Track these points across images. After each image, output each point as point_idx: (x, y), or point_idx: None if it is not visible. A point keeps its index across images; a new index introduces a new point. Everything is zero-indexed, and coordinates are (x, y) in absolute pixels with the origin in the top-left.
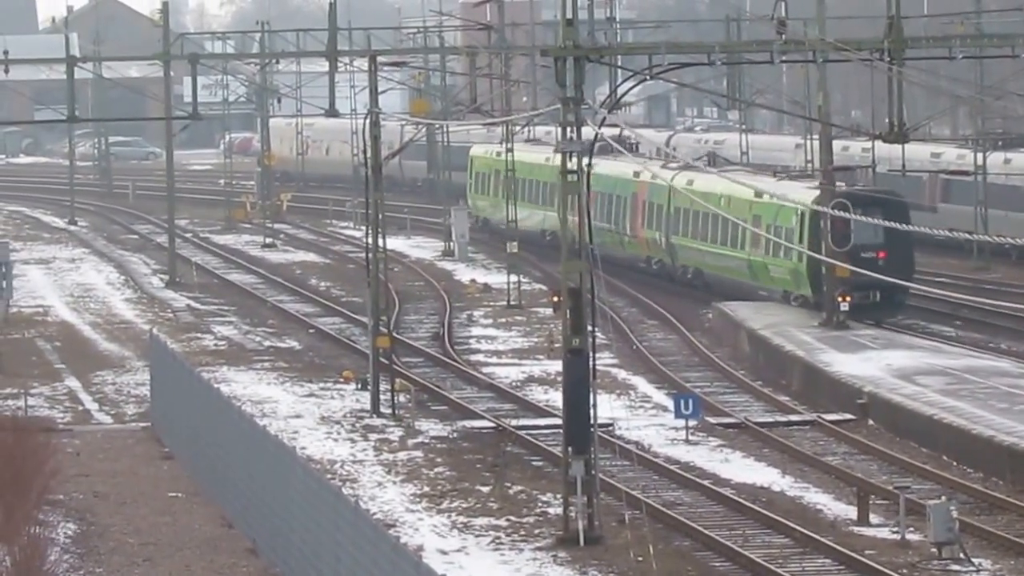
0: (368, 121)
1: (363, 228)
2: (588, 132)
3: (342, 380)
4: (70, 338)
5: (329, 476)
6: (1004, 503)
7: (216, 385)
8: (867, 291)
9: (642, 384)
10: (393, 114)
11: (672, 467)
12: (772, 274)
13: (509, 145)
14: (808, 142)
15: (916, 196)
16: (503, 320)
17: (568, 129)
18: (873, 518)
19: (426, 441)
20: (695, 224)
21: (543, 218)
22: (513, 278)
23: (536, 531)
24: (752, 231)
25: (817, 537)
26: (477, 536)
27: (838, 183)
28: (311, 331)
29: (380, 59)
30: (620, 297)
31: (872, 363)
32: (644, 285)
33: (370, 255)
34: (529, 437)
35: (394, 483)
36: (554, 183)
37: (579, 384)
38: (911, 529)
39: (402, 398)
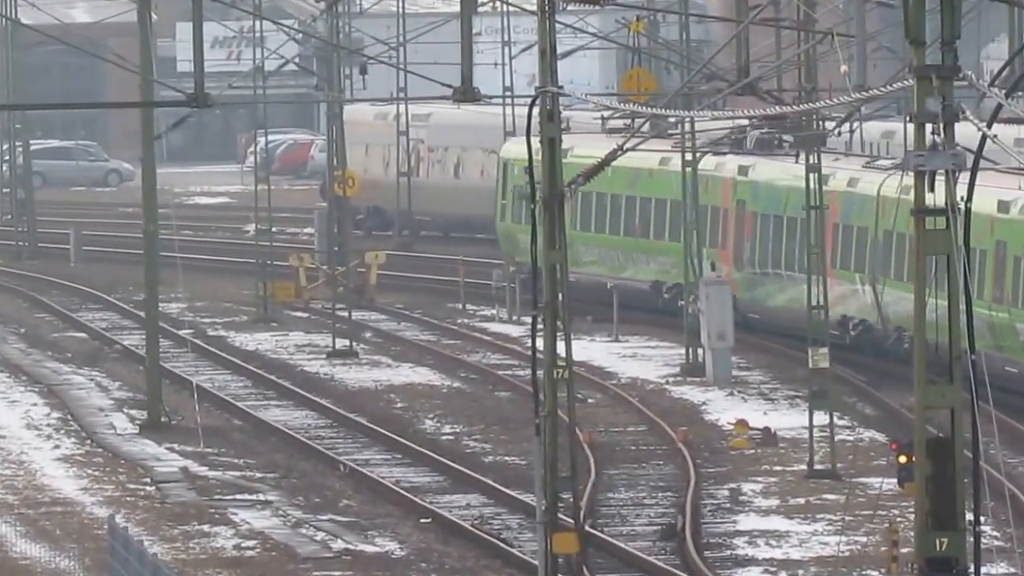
0: (537, 108)
1: (527, 320)
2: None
3: None
4: None
5: None
6: None
7: None
8: None
9: None
10: (587, 96)
11: None
12: (1022, 338)
13: (814, 161)
14: None
15: None
16: (800, 501)
17: (929, 127)
18: None
19: None
20: (900, 258)
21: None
22: (821, 418)
23: None
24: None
25: None
26: None
27: None
28: (425, 520)
29: None
30: (1021, 450)
31: None
32: None
33: (540, 373)
34: None
35: None
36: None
37: None
38: None
39: None
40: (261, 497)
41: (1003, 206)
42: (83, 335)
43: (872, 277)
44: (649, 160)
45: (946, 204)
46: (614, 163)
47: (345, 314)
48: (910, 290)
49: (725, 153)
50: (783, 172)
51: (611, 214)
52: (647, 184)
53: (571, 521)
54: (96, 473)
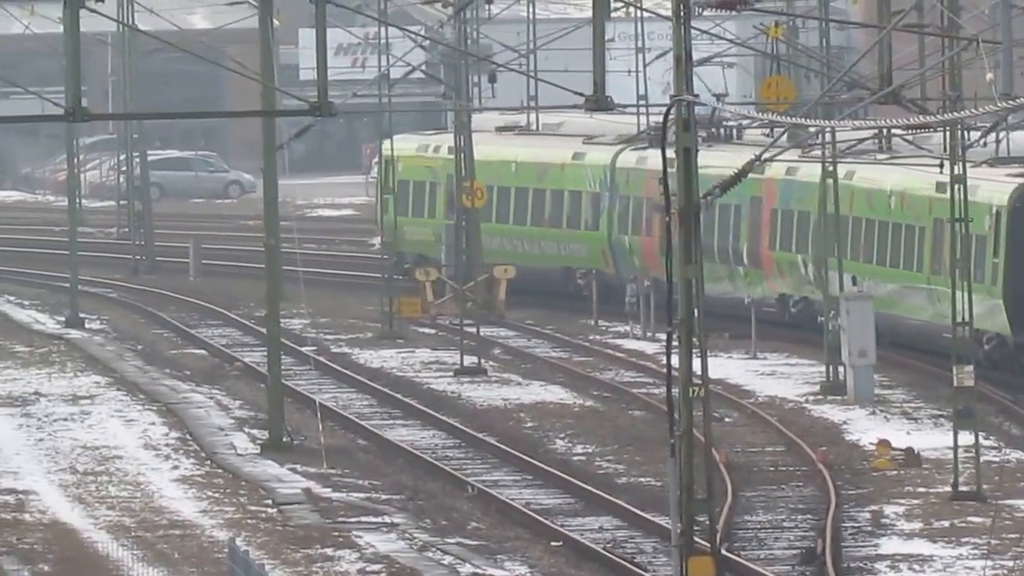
0: (672, 118)
1: (661, 337)
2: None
3: None
4: (70, 556)
5: None
6: None
7: None
8: None
9: None
10: (723, 104)
11: None
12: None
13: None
14: None
15: None
16: (944, 524)
17: None
18: None
19: None
20: (857, 239)
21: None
22: (966, 438)
23: None
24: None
25: None
26: None
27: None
28: (556, 544)
29: None
30: None
31: None
32: None
33: (675, 392)
34: None
35: None
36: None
37: None
38: None
39: None
40: (387, 519)
41: (940, 187)
42: (202, 352)
43: (816, 257)
44: (559, 155)
45: None
46: (520, 159)
47: (473, 330)
48: (850, 269)
49: (645, 147)
50: (713, 161)
51: (516, 206)
52: (558, 177)
53: (707, 545)
54: (216, 495)
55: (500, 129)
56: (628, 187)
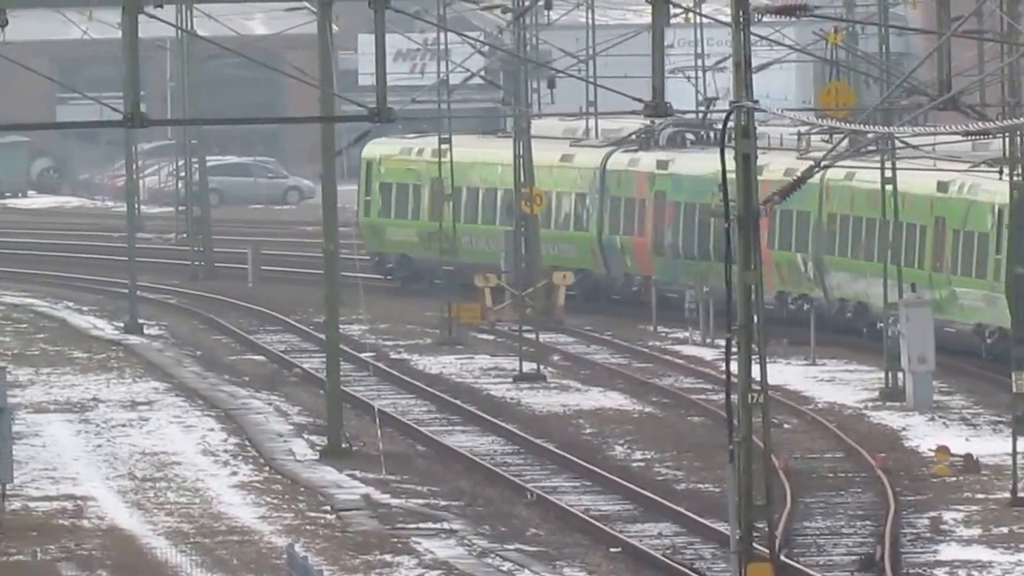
0: (732, 123)
1: (721, 343)
2: None
3: None
4: (128, 563)
5: None
6: None
7: None
8: None
9: None
10: (782, 111)
11: None
12: (960, 301)
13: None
14: None
15: None
16: (1003, 530)
17: None
18: None
19: None
20: (857, 237)
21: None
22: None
23: None
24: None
25: None
26: None
27: None
28: (615, 550)
29: None
30: None
31: None
32: None
33: (734, 398)
34: None
35: None
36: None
37: None
38: None
39: None
40: (445, 526)
41: (941, 187)
42: (261, 358)
43: (816, 256)
44: (547, 157)
45: None
46: (506, 162)
47: (532, 336)
48: (851, 266)
49: (636, 150)
50: (707, 164)
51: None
52: (546, 179)
53: (766, 551)
54: (275, 501)
55: (486, 132)
56: (620, 188)
